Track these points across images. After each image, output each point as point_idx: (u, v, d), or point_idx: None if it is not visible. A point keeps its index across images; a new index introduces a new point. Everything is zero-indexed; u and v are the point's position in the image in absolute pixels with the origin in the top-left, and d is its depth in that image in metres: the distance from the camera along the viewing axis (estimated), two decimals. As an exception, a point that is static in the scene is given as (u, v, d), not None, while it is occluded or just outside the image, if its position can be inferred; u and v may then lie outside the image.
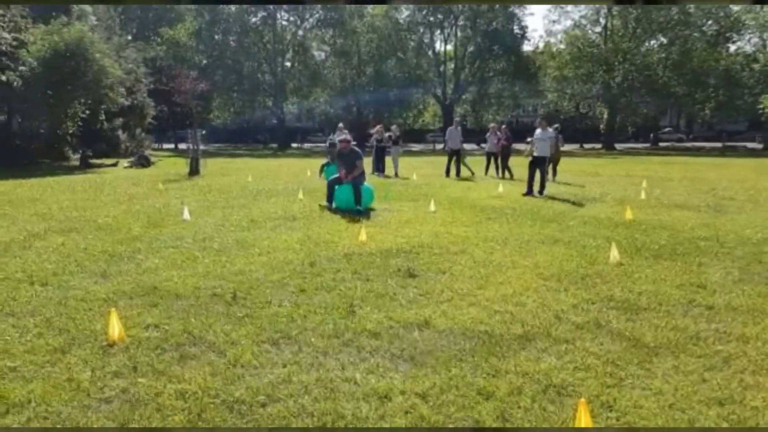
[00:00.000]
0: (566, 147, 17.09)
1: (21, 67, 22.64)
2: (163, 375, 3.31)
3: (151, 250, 6.59)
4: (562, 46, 47.44)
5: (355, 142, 10.97)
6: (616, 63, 44.02)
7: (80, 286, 5.08)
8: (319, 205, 10.15)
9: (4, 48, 21.79)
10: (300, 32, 52.60)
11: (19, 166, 22.71)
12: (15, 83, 22.11)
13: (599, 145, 47.38)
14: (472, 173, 17.42)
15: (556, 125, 16.03)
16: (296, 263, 5.96)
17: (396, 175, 17.59)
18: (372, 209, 9.70)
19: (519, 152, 18.35)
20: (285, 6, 49.89)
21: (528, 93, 50.84)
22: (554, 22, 63.71)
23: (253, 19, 50.92)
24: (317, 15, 50.87)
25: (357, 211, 9.32)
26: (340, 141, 10.46)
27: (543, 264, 5.98)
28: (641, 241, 7.19)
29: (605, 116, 47.73)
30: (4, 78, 21.73)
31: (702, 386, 3.21)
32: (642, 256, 6.35)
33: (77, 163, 25.33)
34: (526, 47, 50.53)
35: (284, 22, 52.73)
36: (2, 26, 22.56)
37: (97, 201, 11.34)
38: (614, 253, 6.15)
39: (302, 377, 3.30)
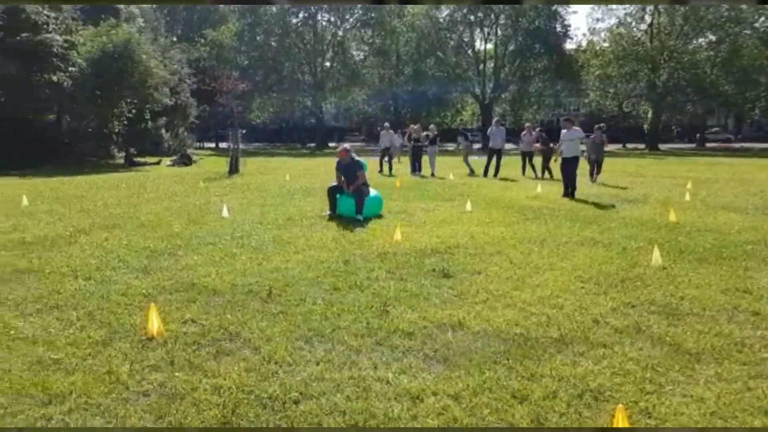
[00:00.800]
0: (608, 147, 16.57)
1: (71, 68, 23.47)
2: (199, 370, 3.36)
3: (191, 246, 6.73)
4: (606, 45, 46.38)
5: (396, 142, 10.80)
6: (662, 61, 42.77)
7: (122, 280, 5.23)
8: (320, 215, 9.19)
9: (55, 50, 22.61)
10: (340, 32, 53.01)
11: (67, 163, 23.54)
12: (65, 84, 22.93)
13: (642, 145, 46.17)
14: (472, 171, 17.65)
15: (601, 124, 15.66)
16: (331, 261, 5.99)
17: (432, 174, 17.52)
18: (380, 216, 9.03)
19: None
20: (326, 6, 50.37)
21: (569, 92, 49.94)
22: (598, 20, 62.58)
23: (294, 20, 51.57)
24: (357, 15, 51.18)
25: (357, 219, 8.59)
26: (339, 151, 9.58)
27: (581, 266, 5.85)
28: (685, 244, 6.96)
29: (649, 115, 46.45)
30: (55, 79, 22.57)
31: (746, 395, 3.08)
32: (685, 260, 6.14)
33: (122, 161, 26.11)
34: (569, 45, 49.69)
35: (324, 23, 53.24)
36: (54, 29, 23.41)
37: (140, 198, 11.66)
38: (656, 256, 5.97)
39: (335, 375, 3.31)
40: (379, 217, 8.99)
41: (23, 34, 21.90)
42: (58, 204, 10.65)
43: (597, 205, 10.55)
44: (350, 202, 8.84)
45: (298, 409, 2.93)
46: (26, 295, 4.78)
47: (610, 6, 45.17)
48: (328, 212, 9.13)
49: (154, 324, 3.87)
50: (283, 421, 2.83)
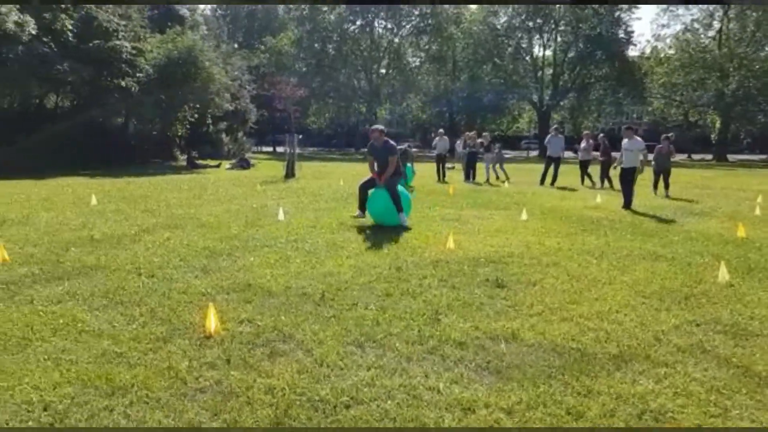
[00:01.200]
0: (674, 158, 15.69)
1: (138, 74, 24.55)
2: (253, 369, 3.43)
3: (248, 248, 6.89)
4: (671, 51, 44.71)
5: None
6: (731, 69, 40.87)
7: (182, 279, 5.40)
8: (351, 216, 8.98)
9: (125, 56, 23.71)
10: (396, 39, 53.36)
11: (133, 165, 24.60)
12: (133, 89, 24.01)
13: (710, 156, 44.22)
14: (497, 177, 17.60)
15: (670, 134, 14.92)
16: (383, 267, 6.00)
17: (487, 181, 17.34)
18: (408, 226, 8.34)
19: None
20: (382, 13, 50.81)
21: (632, 100, 48.38)
22: (663, 26, 60.14)
23: (352, 27, 52.24)
24: (414, 21, 51.38)
25: (401, 225, 8.07)
26: (372, 131, 8.69)
27: (643, 281, 5.64)
28: (755, 260, 6.60)
29: (717, 125, 44.45)
30: (123, 84, 23.67)
31: (824, 425, 2.89)
32: (755, 277, 5.82)
33: (184, 163, 27.08)
34: (632, 52, 48.16)
35: (381, 30, 53.73)
36: (124, 36, 24.58)
37: (200, 200, 12.04)
38: (723, 273, 5.69)
39: (386, 382, 3.31)
40: (432, 223, 8.94)
41: (95, 41, 23.07)
42: (124, 203, 11.13)
43: (660, 217, 10.16)
44: (382, 200, 8.22)
45: (348, 414, 2.94)
46: (93, 290, 5.01)
47: (675, 12, 43.57)
48: (358, 213, 8.70)
49: (212, 323, 3.98)
50: (334, 424, 2.85)
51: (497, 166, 18.33)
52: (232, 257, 6.38)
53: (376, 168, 8.55)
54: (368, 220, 9.02)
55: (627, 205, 11.29)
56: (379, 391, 3.18)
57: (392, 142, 8.57)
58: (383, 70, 54.64)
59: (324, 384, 3.26)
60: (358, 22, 52.13)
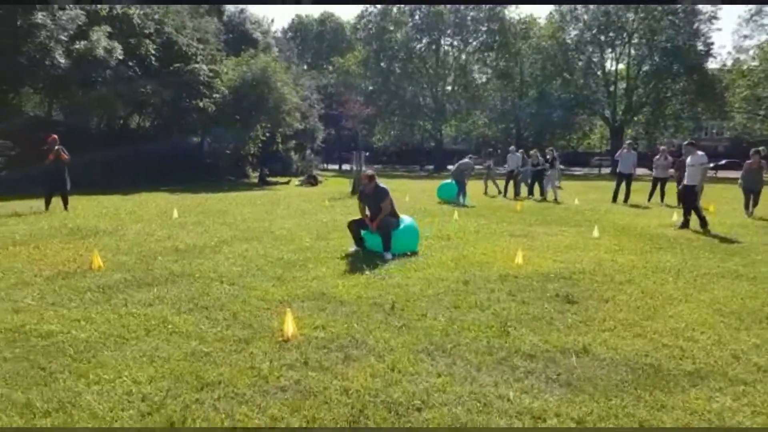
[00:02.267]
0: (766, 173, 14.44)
1: (215, 95, 25.86)
2: (329, 372, 3.61)
3: (320, 259, 7.15)
4: (755, 63, 42.39)
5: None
6: (822, 79, 38.31)
7: (260, 287, 5.70)
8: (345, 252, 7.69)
9: (202, 78, 25.05)
10: (462, 56, 53.50)
11: (208, 181, 25.77)
12: (209, 109, 25.29)
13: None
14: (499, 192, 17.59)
15: (760, 148, 13.71)
16: (451, 281, 6.09)
17: (555, 200, 17.05)
18: (414, 252, 7.65)
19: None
20: (449, 30, 51.13)
21: (711, 114, 46.12)
22: (745, 37, 57.03)
23: (418, 46, 52.84)
24: (481, 38, 51.36)
25: (384, 258, 7.22)
26: (362, 176, 8.11)
27: (721, 299, 5.46)
28: None
29: (807, 140, 41.61)
30: (201, 104, 24.99)
31: None
32: None
33: (256, 180, 28.13)
34: (712, 65, 46.01)
35: (447, 47, 54.02)
36: (202, 59, 26.01)
37: (273, 214, 12.52)
38: (811, 294, 5.41)
39: (456, 388, 3.40)
40: (500, 239, 8.93)
41: (176, 65, 24.53)
42: (203, 217, 11.74)
43: (741, 236, 9.69)
44: (377, 238, 7.57)
45: (420, 416, 3.05)
46: (180, 295, 5.37)
47: (759, 21, 41.37)
48: (354, 248, 7.77)
49: (290, 328, 4.20)
50: (406, 425, 2.97)
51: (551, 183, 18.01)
52: (305, 268, 6.64)
53: (368, 213, 7.93)
54: (437, 233, 9.14)
55: (685, 224, 10.71)
56: (450, 397, 3.28)
57: (383, 185, 7.84)
58: (449, 87, 54.81)
59: (396, 388, 3.39)
60: (425, 41, 52.68)
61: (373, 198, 7.76)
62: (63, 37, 19.69)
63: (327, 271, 6.45)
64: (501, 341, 4.23)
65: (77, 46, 20.17)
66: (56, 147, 11.64)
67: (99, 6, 21.85)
